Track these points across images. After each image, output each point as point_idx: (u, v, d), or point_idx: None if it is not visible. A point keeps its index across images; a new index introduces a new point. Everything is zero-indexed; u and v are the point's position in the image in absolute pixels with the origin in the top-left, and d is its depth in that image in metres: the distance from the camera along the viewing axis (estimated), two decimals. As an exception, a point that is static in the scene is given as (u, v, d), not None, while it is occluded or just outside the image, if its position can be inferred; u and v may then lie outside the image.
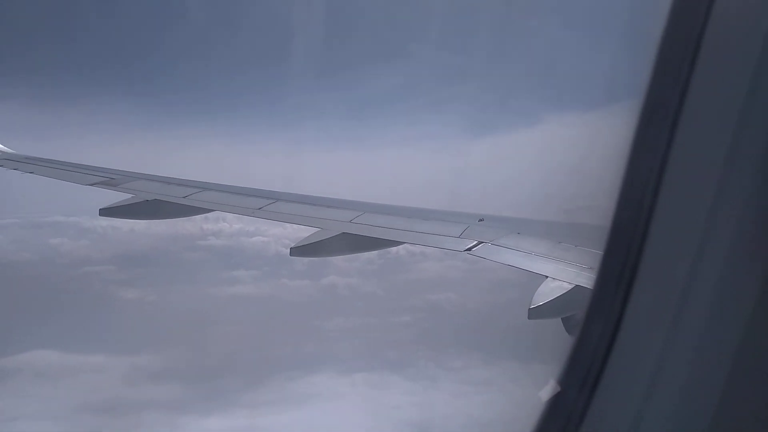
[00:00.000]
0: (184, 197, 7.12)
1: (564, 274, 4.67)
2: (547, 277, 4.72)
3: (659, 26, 1.52)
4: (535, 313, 4.34)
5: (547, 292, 4.48)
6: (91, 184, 7.58)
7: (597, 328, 1.69)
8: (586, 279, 4.39)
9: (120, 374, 20.26)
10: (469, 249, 5.56)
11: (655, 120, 1.56)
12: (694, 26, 1.47)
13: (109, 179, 7.63)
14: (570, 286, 4.47)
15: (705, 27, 1.46)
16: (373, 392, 19.19)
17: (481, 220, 6.22)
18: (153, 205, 6.97)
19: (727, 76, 1.48)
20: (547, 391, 1.77)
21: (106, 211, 6.97)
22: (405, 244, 6.16)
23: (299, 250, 6.03)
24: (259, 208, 6.92)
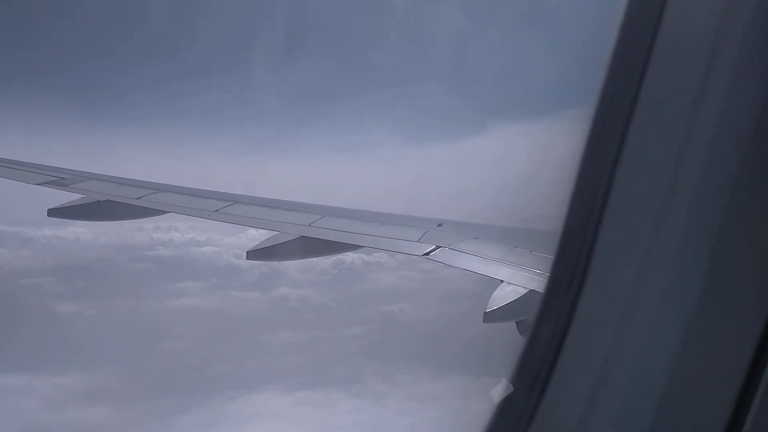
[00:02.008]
0: (137, 198, 6.92)
1: (519, 278, 4.76)
2: (502, 281, 4.80)
3: (607, 37, 1.58)
4: (490, 317, 4.41)
5: (503, 296, 4.56)
6: (40, 184, 7.29)
7: (547, 330, 1.74)
8: (540, 283, 4.48)
9: (44, 396, 18.66)
10: (428, 253, 5.60)
11: (605, 129, 1.62)
12: (643, 37, 1.52)
13: (60, 179, 7.34)
14: (524, 291, 4.55)
15: (654, 38, 1.51)
16: (315, 411, 18.23)
17: (439, 225, 6.28)
18: (105, 206, 6.74)
19: (675, 85, 1.54)
20: (498, 391, 1.80)
21: (56, 212, 6.72)
22: (362, 252, 6.16)
23: (256, 254, 5.96)
24: (216, 211, 6.79)
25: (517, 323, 4.43)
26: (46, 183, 7.27)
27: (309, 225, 6.38)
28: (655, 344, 1.59)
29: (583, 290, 1.65)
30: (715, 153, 1.50)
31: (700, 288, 1.52)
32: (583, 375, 1.67)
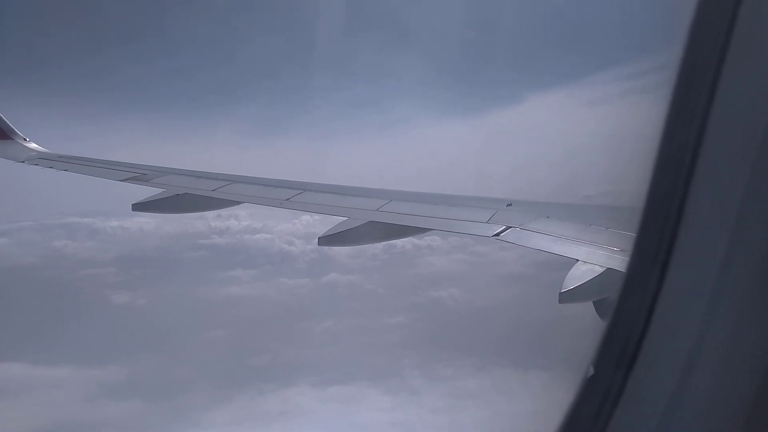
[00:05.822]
0: (213, 190, 7.24)
1: (595, 257, 4.62)
2: (577, 260, 4.68)
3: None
4: (567, 296, 4.31)
5: (579, 276, 4.44)
6: (123, 180, 7.76)
7: (632, 310, 1.68)
8: (619, 262, 4.34)
9: (81, 389, 18.43)
10: (498, 234, 5.52)
11: (690, 96, 1.53)
12: (726, 7, 1.43)
13: (141, 174, 7.79)
14: (602, 269, 4.42)
15: (738, 7, 1.42)
16: (344, 408, 17.19)
17: (509, 205, 6.18)
18: (183, 198, 7.12)
19: (765, 52, 1.45)
20: (583, 373, 1.76)
21: (139, 206, 7.14)
22: (432, 232, 6.14)
23: (327, 239, 6.07)
24: (287, 199, 6.99)
25: (595, 303, 4.31)
26: (128, 179, 7.73)
27: (377, 210, 6.44)
28: (748, 326, 1.51)
29: (669, 267, 1.58)
30: None
31: None
32: (670, 357, 1.61)
